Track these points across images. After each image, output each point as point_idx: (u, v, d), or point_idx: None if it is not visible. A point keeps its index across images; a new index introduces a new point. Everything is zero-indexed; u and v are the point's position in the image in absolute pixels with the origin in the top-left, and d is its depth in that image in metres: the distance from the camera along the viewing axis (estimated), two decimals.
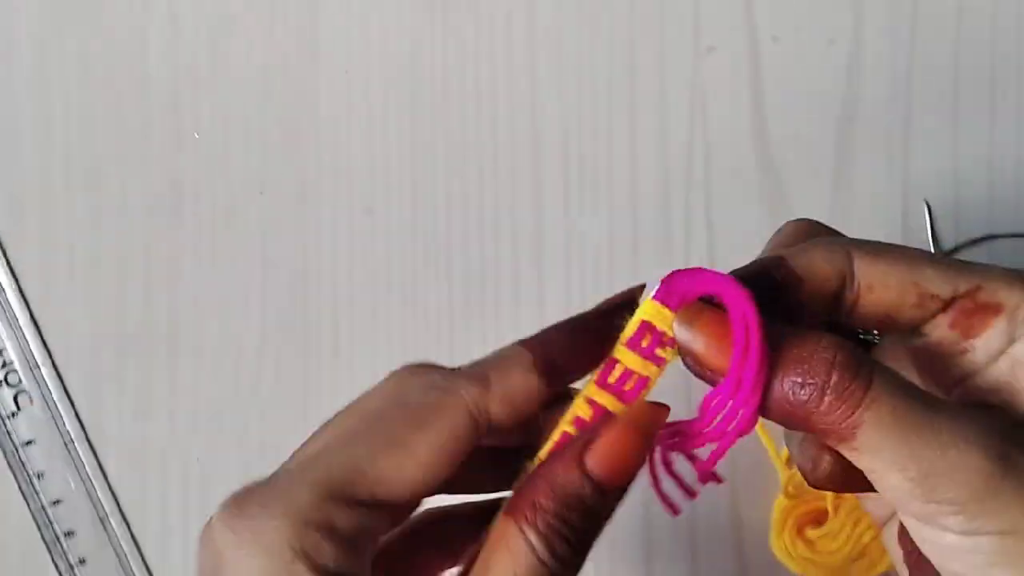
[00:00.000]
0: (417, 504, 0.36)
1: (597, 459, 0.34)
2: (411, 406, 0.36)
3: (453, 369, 0.37)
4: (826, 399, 0.33)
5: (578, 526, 0.34)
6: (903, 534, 0.37)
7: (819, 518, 0.57)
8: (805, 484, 0.57)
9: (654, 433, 0.35)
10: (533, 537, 0.33)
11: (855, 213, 0.60)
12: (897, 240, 0.60)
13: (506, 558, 0.33)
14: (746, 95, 0.61)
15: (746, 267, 0.36)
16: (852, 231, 0.60)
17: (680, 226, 0.61)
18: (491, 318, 0.60)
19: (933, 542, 0.34)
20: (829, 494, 0.56)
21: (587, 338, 0.36)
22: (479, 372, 0.36)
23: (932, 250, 0.60)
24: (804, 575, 0.57)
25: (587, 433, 0.35)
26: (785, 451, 0.60)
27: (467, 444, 0.35)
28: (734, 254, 0.60)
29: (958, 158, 0.61)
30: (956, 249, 0.60)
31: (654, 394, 0.36)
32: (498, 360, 0.36)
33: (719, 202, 0.61)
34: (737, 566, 0.60)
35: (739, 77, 0.61)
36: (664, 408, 0.35)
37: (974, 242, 0.60)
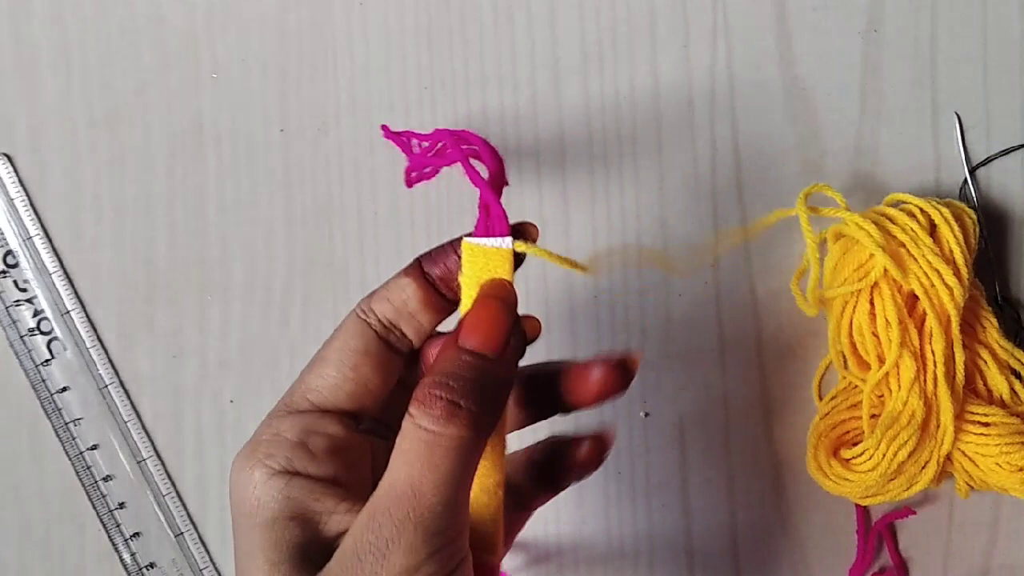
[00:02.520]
0: (362, 405, 0.44)
1: (465, 335, 0.42)
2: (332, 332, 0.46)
3: None
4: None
5: (471, 381, 0.41)
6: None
7: (854, 438, 0.57)
8: (837, 401, 0.58)
9: (506, 298, 0.43)
10: (427, 420, 0.40)
11: (884, 129, 0.60)
12: (928, 154, 0.60)
13: (401, 450, 0.40)
14: (769, 13, 0.60)
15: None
16: (882, 146, 0.60)
17: (707, 149, 0.60)
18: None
19: None
20: (864, 412, 0.56)
21: (444, 247, 0.45)
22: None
23: (964, 162, 0.59)
24: (840, 495, 0.57)
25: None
26: (818, 374, 0.59)
27: (370, 343, 0.44)
28: (762, 175, 0.60)
29: (987, 68, 0.60)
30: (988, 160, 0.60)
31: None
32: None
33: (745, 124, 0.60)
34: (773, 488, 0.60)
35: None
36: (505, 282, 0.43)
37: (1006, 152, 0.60)
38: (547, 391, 0.47)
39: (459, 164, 0.44)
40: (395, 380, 0.46)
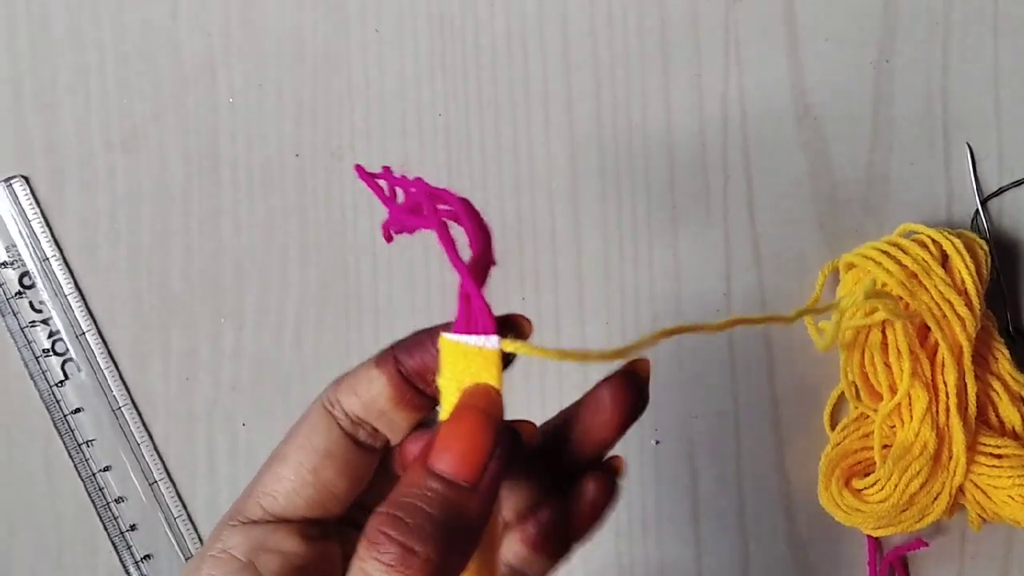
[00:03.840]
0: (326, 511, 0.38)
1: (435, 455, 0.35)
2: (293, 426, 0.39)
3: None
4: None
5: (437, 519, 0.34)
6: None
7: (866, 469, 0.57)
8: (849, 431, 0.57)
9: (489, 410, 0.36)
10: (373, 567, 0.33)
11: (896, 159, 0.60)
12: (940, 185, 0.59)
13: None
14: (781, 42, 0.60)
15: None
16: (894, 177, 0.60)
17: (719, 178, 0.60)
18: (530, 273, 0.60)
19: None
20: (876, 443, 0.56)
21: (420, 337, 0.38)
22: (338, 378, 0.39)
23: (975, 193, 0.59)
24: (852, 526, 0.57)
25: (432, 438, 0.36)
26: (829, 404, 0.59)
27: (334, 442, 0.38)
28: (775, 204, 0.60)
29: (999, 99, 0.60)
30: (1000, 191, 0.59)
31: None
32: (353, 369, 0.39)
33: (757, 154, 0.60)
34: (785, 518, 0.60)
35: (773, 24, 0.60)
36: (489, 388, 0.36)
37: (1017, 183, 0.59)
38: (556, 453, 0.40)
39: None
40: (367, 479, 0.40)
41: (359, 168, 0.40)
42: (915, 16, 0.60)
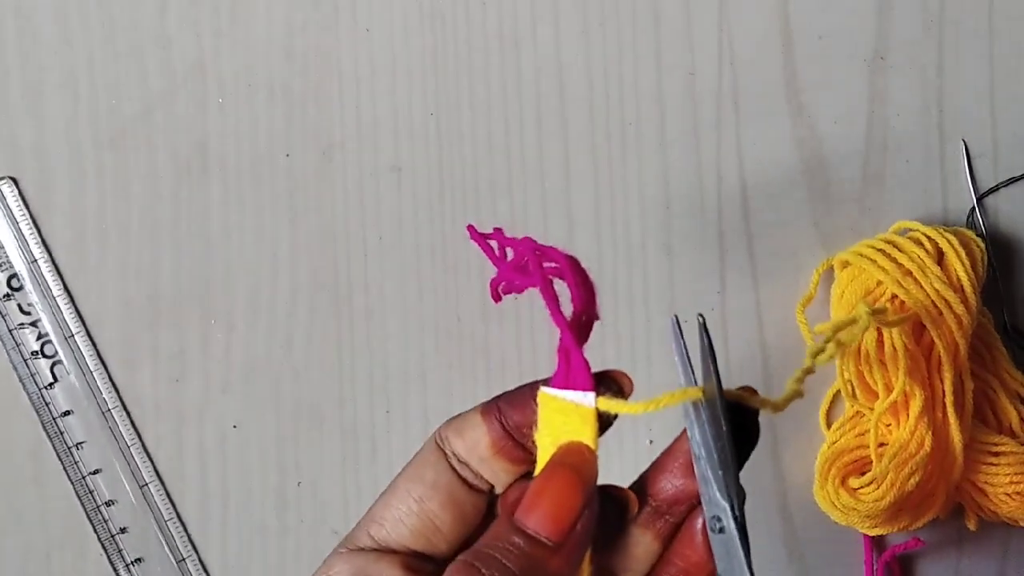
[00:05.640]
0: (432, 546, 0.39)
1: (523, 510, 0.36)
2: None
3: None
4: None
5: (514, 571, 0.34)
6: None
7: (863, 467, 0.57)
8: (845, 430, 0.57)
9: (582, 470, 0.36)
10: None
11: (891, 156, 0.59)
12: (935, 182, 0.59)
13: None
14: (774, 40, 0.60)
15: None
16: (889, 174, 0.60)
17: (712, 176, 0.60)
18: None
19: None
20: (872, 441, 0.56)
21: (524, 390, 0.38)
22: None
23: (971, 191, 0.59)
24: (848, 525, 0.56)
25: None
26: (825, 402, 0.59)
27: (441, 475, 0.39)
28: (769, 203, 0.60)
29: (994, 96, 0.59)
30: (996, 188, 0.59)
31: None
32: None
33: (751, 151, 0.60)
34: (780, 518, 0.60)
35: (767, 22, 0.60)
36: (583, 447, 0.36)
37: (1013, 180, 0.59)
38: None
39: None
40: (473, 523, 0.40)
41: (471, 228, 0.40)
42: (910, 13, 0.59)
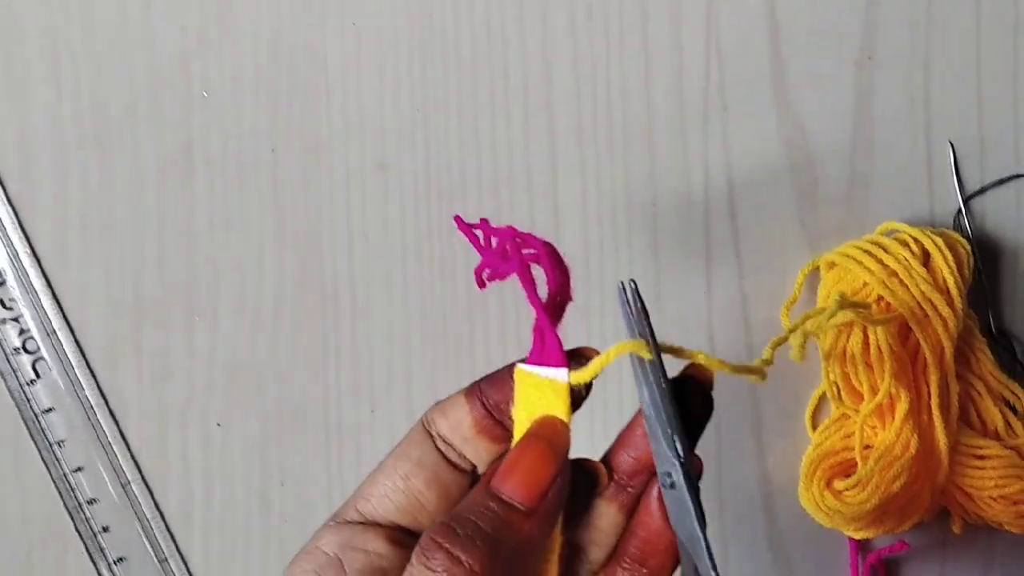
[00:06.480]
0: (416, 521, 0.41)
1: (498, 477, 0.38)
2: None
3: None
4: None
5: (488, 534, 0.37)
6: None
7: (848, 469, 0.57)
8: (830, 432, 0.57)
9: (554, 440, 0.39)
10: (421, 573, 0.36)
11: (877, 156, 0.59)
12: (922, 183, 0.59)
13: None
14: (762, 37, 0.60)
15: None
16: (875, 174, 0.60)
17: (700, 174, 0.60)
18: None
19: None
20: (857, 443, 0.55)
21: (504, 372, 0.41)
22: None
23: (958, 192, 0.59)
24: (834, 527, 0.56)
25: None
26: (811, 404, 0.59)
27: (426, 454, 0.41)
28: (755, 201, 0.59)
29: (982, 97, 0.59)
30: (982, 190, 0.59)
31: None
32: None
33: (738, 150, 0.60)
34: (765, 520, 0.59)
35: (754, 18, 0.60)
36: (557, 420, 0.39)
37: (1000, 182, 0.59)
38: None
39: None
40: (455, 500, 0.41)
41: (458, 219, 0.42)
42: (898, 13, 0.59)
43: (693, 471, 0.39)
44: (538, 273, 0.40)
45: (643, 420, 0.40)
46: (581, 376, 0.38)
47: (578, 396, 0.39)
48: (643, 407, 0.39)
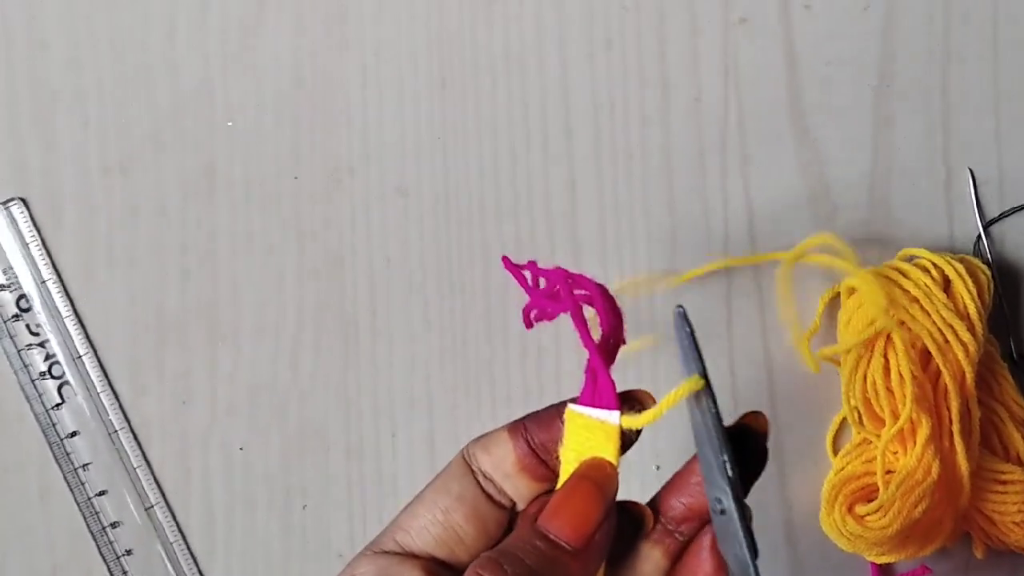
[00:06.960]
0: (454, 555, 0.40)
1: (546, 516, 0.38)
2: None
3: None
4: None
5: (533, 571, 0.37)
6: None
7: (870, 494, 0.56)
8: (852, 457, 0.57)
9: (603, 483, 0.38)
10: None
11: (896, 183, 0.59)
12: (941, 210, 0.59)
13: None
14: (780, 66, 0.60)
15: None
16: (895, 201, 0.60)
17: (718, 202, 0.60)
18: None
19: None
20: (879, 468, 0.55)
21: (551, 411, 0.41)
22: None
23: (978, 218, 0.59)
24: (855, 552, 0.56)
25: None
26: (832, 429, 0.59)
27: (467, 488, 0.41)
28: (774, 228, 0.59)
29: (1000, 123, 0.59)
30: (1002, 216, 0.59)
31: None
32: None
33: (756, 177, 0.60)
34: (786, 544, 0.59)
35: (772, 48, 0.60)
36: (606, 463, 0.39)
37: (1020, 208, 0.59)
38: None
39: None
40: (495, 537, 0.41)
41: (505, 260, 0.43)
42: (915, 40, 0.59)
43: (742, 496, 0.38)
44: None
45: (698, 463, 0.40)
46: (636, 422, 0.38)
47: (628, 439, 0.39)
48: (694, 431, 0.39)
